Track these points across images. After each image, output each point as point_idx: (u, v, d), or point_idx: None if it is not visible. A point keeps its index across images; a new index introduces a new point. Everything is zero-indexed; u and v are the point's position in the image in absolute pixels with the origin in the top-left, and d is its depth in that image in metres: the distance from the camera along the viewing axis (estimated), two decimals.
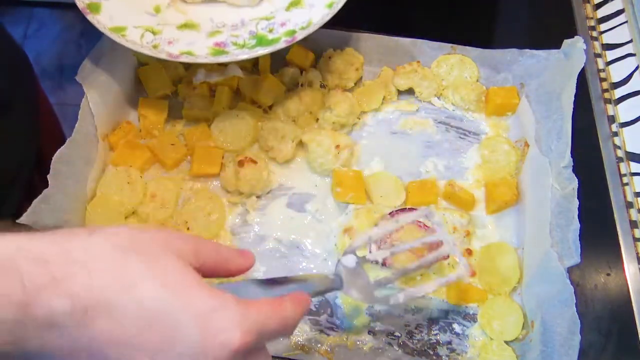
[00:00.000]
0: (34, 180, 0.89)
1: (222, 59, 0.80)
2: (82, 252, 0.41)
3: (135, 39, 0.80)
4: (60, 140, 0.80)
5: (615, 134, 0.94)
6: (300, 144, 0.91)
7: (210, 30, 0.84)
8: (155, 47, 0.80)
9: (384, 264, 0.81)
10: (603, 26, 1.05)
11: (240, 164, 0.86)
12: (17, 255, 0.39)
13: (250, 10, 0.87)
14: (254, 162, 0.86)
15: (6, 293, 0.38)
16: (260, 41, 0.81)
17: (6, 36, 0.92)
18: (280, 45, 0.80)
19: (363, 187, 0.87)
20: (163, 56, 0.79)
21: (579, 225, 0.74)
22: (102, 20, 0.81)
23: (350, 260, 0.68)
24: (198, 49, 0.80)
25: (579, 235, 0.74)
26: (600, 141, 0.93)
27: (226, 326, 0.41)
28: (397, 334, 0.79)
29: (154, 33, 0.82)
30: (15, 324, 0.38)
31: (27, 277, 0.38)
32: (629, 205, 0.88)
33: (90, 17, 0.81)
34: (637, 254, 0.84)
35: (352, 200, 0.86)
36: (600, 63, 1.01)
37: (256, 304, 0.45)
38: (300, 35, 0.80)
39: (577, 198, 0.76)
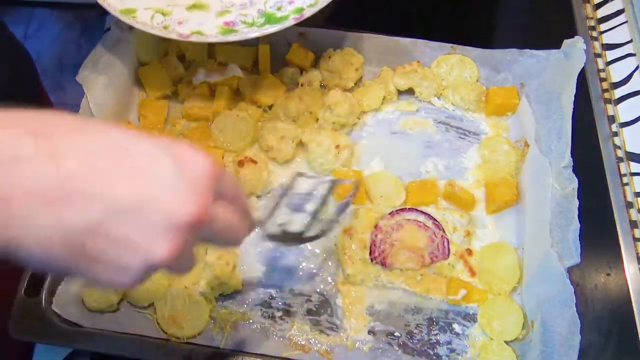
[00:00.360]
0: None
1: (232, 37, 0.80)
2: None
3: (146, 20, 0.81)
4: None
5: (615, 134, 0.94)
6: (300, 144, 0.91)
7: (219, 10, 0.85)
8: (165, 27, 0.81)
9: (384, 264, 0.81)
10: (603, 26, 1.05)
11: (240, 164, 0.86)
12: None
13: None
14: (254, 162, 0.86)
15: None
16: (269, 19, 0.82)
17: (8, 34, 0.92)
18: (289, 22, 0.80)
19: (363, 187, 0.87)
20: (173, 36, 0.80)
21: (579, 225, 0.74)
22: (112, 3, 0.82)
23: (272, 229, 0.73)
24: (208, 28, 0.82)
25: (579, 235, 0.74)
26: (600, 141, 0.93)
27: (194, 152, 0.43)
28: (397, 334, 0.79)
29: (163, 14, 0.83)
30: None
31: None
32: (629, 205, 0.88)
33: (100, 1, 0.82)
34: (637, 254, 0.84)
35: (352, 200, 0.86)
36: (600, 63, 1.01)
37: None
38: (308, 13, 0.81)
39: (577, 198, 0.76)
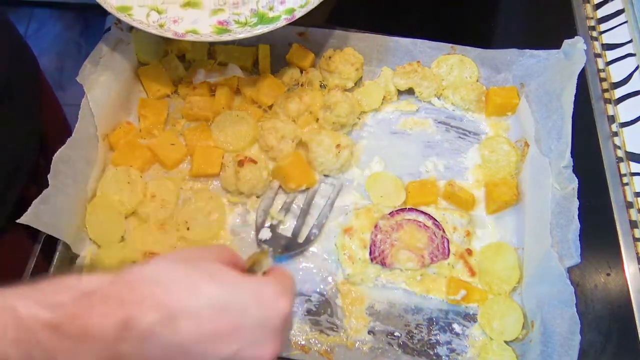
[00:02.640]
0: (39, 165, 0.89)
1: (226, 37, 0.82)
2: (151, 272, 0.48)
3: (142, 18, 0.83)
4: (62, 126, 0.80)
5: (615, 134, 0.94)
6: (300, 144, 0.91)
7: (212, 8, 0.87)
8: (161, 26, 0.82)
9: (384, 264, 0.81)
10: (603, 26, 1.05)
11: (240, 164, 0.86)
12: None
13: None
14: (254, 162, 0.86)
15: (104, 313, 0.44)
16: (262, 19, 0.84)
17: (9, 27, 0.92)
18: (281, 22, 0.82)
19: (307, 168, 0.89)
20: (169, 35, 0.82)
21: (579, 225, 0.74)
22: (109, 0, 0.83)
23: (265, 234, 0.84)
24: (202, 27, 0.83)
25: (579, 235, 0.74)
26: (600, 141, 0.93)
27: (275, 296, 0.50)
28: (397, 334, 0.79)
29: (159, 12, 0.84)
30: (115, 341, 0.44)
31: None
32: (629, 205, 0.88)
33: None
34: (637, 254, 0.84)
35: (303, 182, 0.88)
36: (600, 63, 1.01)
37: (276, 274, 0.56)
38: (299, 13, 0.82)
39: (577, 198, 0.76)
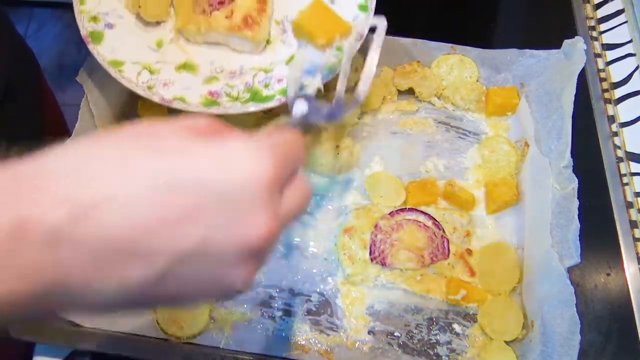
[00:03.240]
0: None
1: (213, 110, 0.77)
2: (65, 157, 0.35)
3: (132, 77, 0.78)
4: (62, 127, 0.80)
5: (615, 134, 0.94)
6: None
7: (207, 75, 0.82)
8: (149, 88, 0.78)
9: (383, 264, 0.81)
10: (603, 26, 1.05)
11: None
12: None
13: (251, 58, 0.85)
14: None
15: None
16: (254, 96, 0.79)
17: (9, 27, 0.92)
18: (273, 103, 0.77)
19: (333, 15, 0.74)
20: (156, 99, 0.77)
21: (579, 225, 0.74)
22: (102, 52, 0.79)
23: (300, 107, 0.61)
24: (192, 95, 0.78)
25: (579, 235, 0.74)
26: (600, 141, 0.93)
27: (246, 154, 0.36)
28: (397, 334, 0.79)
29: (151, 72, 0.80)
30: (10, 251, 0.32)
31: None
32: (629, 205, 0.88)
33: (91, 48, 0.79)
34: (637, 254, 0.84)
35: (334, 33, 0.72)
36: (600, 63, 1.01)
37: (261, 137, 0.40)
38: None
39: (577, 198, 0.76)
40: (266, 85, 0.81)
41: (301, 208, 0.43)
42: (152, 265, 0.34)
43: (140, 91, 0.78)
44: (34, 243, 0.32)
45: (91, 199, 0.33)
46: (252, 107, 0.78)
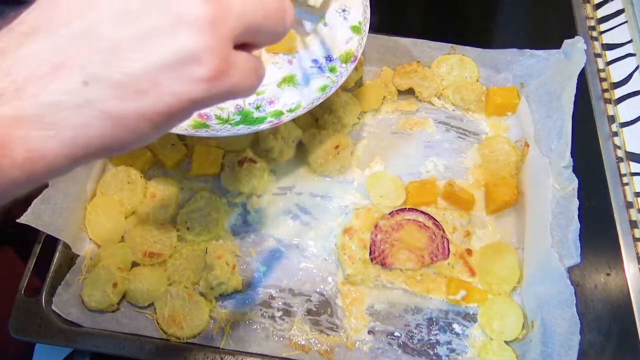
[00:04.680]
0: None
1: (202, 132, 0.75)
2: None
3: None
4: None
5: (615, 134, 0.94)
6: (300, 144, 0.91)
7: None
8: None
9: (384, 264, 0.81)
10: (603, 26, 1.05)
11: (240, 163, 0.86)
12: None
13: None
14: (254, 162, 0.86)
15: None
16: (245, 119, 0.77)
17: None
18: (264, 126, 0.75)
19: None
20: None
21: (579, 225, 0.74)
22: None
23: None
24: None
25: (579, 235, 0.74)
26: (600, 141, 0.93)
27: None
28: (397, 334, 0.79)
29: None
30: None
31: None
32: (629, 205, 0.88)
33: None
34: (637, 254, 0.84)
35: None
36: (600, 63, 1.01)
37: None
38: (285, 119, 0.76)
39: (577, 198, 0.76)
40: (257, 107, 0.80)
41: (249, 76, 0.40)
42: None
43: None
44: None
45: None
46: (243, 130, 0.75)
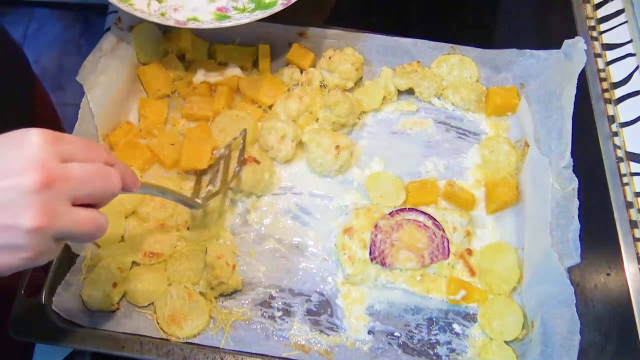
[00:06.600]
0: None
1: (226, 23, 0.84)
2: None
3: (143, 8, 0.85)
4: (59, 130, 0.80)
5: (615, 134, 0.94)
6: (300, 144, 0.91)
7: None
8: (162, 14, 0.85)
9: (384, 264, 0.81)
10: (603, 26, 1.05)
11: (243, 162, 0.86)
12: None
13: None
14: (257, 162, 0.86)
15: None
16: (259, 5, 0.87)
17: (5, 36, 0.93)
18: (277, 8, 0.85)
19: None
20: (171, 23, 0.84)
21: (579, 225, 0.74)
22: None
23: None
24: (202, 14, 0.86)
25: (579, 235, 0.74)
26: (600, 141, 0.93)
27: (25, 134, 0.50)
28: (397, 334, 0.79)
29: (159, 1, 0.86)
30: None
31: None
32: (629, 205, 0.88)
33: None
34: (637, 254, 0.84)
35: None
36: (600, 63, 1.01)
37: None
38: None
39: (577, 198, 0.76)
40: None
41: (81, 226, 0.53)
42: None
43: (155, 19, 0.84)
44: None
45: None
46: (260, 15, 0.85)
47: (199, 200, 0.80)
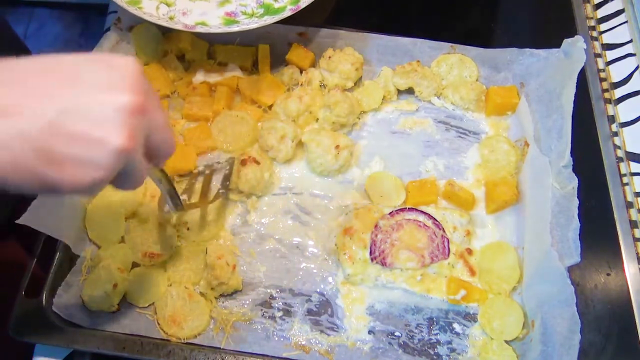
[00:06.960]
0: None
1: (235, 28, 0.85)
2: None
3: (152, 11, 0.85)
4: None
5: (615, 134, 0.94)
6: (300, 144, 0.91)
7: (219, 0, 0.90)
8: (171, 18, 0.85)
9: (384, 264, 0.81)
10: (603, 26, 1.05)
11: (243, 162, 0.86)
12: None
13: None
14: (257, 162, 0.86)
15: None
16: (268, 10, 0.88)
17: (8, 30, 0.93)
18: (286, 13, 0.86)
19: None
20: (180, 27, 0.84)
21: (579, 224, 0.74)
22: None
23: None
24: (211, 19, 0.87)
25: (579, 235, 0.74)
26: (600, 141, 0.93)
27: (123, 58, 0.49)
28: (397, 334, 0.79)
29: (168, 5, 0.87)
30: None
31: None
32: (629, 205, 0.88)
33: None
34: (637, 254, 0.84)
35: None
36: (600, 63, 1.01)
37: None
38: (303, 3, 0.86)
39: (577, 197, 0.76)
40: None
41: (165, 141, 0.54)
42: (38, 115, 0.44)
43: (163, 23, 0.85)
44: None
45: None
46: (269, 20, 0.85)
47: (181, 204, 0.77)
